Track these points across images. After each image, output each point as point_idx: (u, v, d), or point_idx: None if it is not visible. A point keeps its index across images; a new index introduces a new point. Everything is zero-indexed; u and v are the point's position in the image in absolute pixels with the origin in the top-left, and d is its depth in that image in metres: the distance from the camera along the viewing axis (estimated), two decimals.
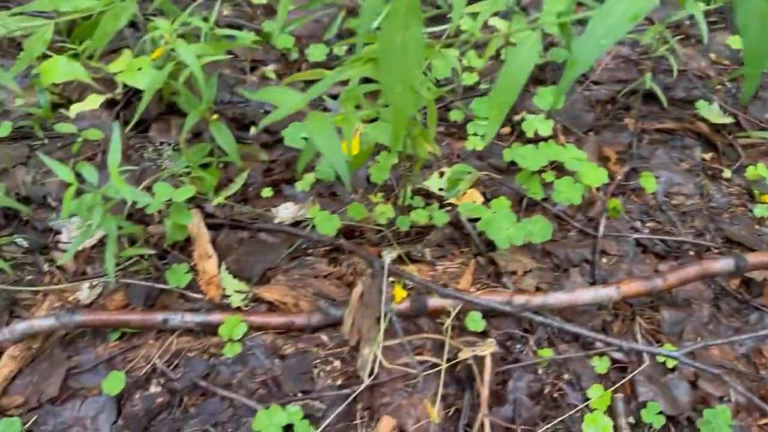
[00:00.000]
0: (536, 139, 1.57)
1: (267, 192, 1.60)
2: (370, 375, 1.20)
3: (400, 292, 1.30)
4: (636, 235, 1.50)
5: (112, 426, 1.18)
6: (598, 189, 1.59)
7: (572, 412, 1.21)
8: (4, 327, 1.24)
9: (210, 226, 1.49)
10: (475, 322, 1.25)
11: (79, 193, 1.19)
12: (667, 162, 1.70)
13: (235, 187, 1.61)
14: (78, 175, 1.19)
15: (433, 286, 1.29)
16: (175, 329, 1.29)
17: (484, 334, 1.28)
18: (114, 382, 1.20)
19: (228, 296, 1.37)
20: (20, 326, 1.23)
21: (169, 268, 1.38)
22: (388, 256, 1.37)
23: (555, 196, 1.41)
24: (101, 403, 1.21)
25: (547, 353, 1.27)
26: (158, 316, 1.28)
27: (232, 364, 1.25)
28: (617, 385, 1.24)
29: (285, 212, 1.57)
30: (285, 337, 1.29)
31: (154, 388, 1.24)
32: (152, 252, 1.35)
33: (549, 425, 1.19)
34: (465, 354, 1.18)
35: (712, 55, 2.06)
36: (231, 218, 1.53)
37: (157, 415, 1.20)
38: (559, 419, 1.20)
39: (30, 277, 1.41)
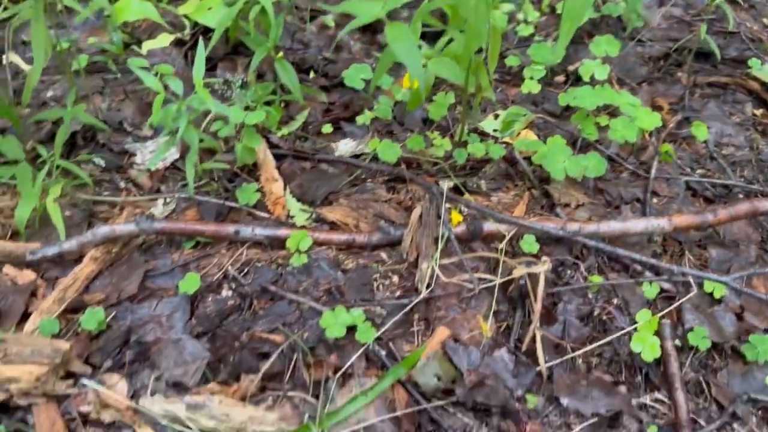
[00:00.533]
0: (592, 84, 1.62)
1: (327, 128, 1.67)
2: (427, 287, 1.26)
3: (456, 216, 1.36)
4: (687, 178, 1.54)
5: (185, 324, 1.27)
6: (650, 135, 1.63)
7: (620, 333, 1.26)
8: (87, 231, 1.34)
9: (274, 156, 1.57)
10: (530, 244, 1.31)
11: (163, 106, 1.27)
12: (719, 114, 1.73)
13: (297, 123, 1.69)
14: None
15: (488, 211, 1.35)
16: (245, 241, 1.37)
17: (537, 257, 1.33)
18: (190, 282, 1.28)
19: (292, 217, 1.44)
20: (102, 230, 1.33)
21: (239, 187, 1.46)
22: (446, 184, 1.43)
23: (610, 134, 1.46)
24: (176, 303, 1.29)
25: (597, 279, 1.32)
26: (230, 228, 1.36)
27: (298, 274, 1.32)
28: (664, 312, 1.29)
29: (344, 147, 1.64)
30: (346, 253, 1.37)
31: (225, 292, 1.32)
32: (226, 166, 1.43)
33: (597, 344, 1.25)
34: (520, 271, 1.23)
35: (765, 20, 2.08)
36: (294, 149, 1.60)
37: (228, 316, 1.28)
38: (607, 339, 1.26)
39: (107, 193, 1.51)
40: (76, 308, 1.28)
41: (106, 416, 1.16)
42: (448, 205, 1.38)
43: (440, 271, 1.28)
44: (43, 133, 1.59)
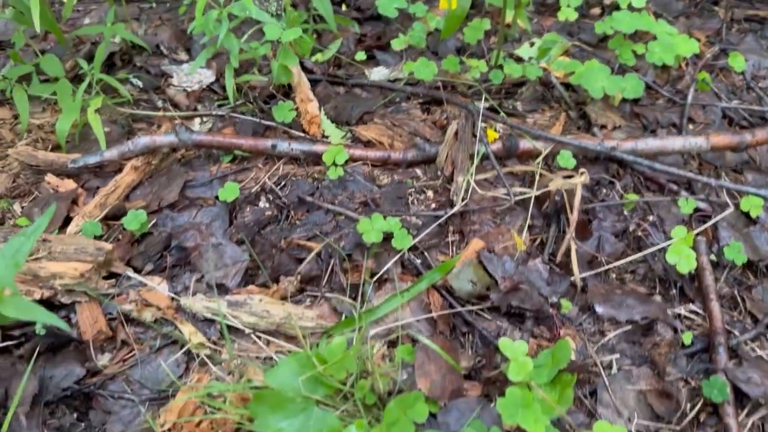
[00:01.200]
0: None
1: (360, 56, 1.67)
2: (462, 200, 1.27)
3: (492, 134, 1.36)
4: (723, 105, 1.52)
5: (224, 231, 1.29)
6: (686, 65, 1.61)
7: (655, 249, 1.26)
8: (127, 141, 1.36)
9: (309, 82, 1.57)
10: (566, 159, 1.31)
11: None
12: (756, 48, 1.70)
13: (330, 52, 1.69)
14: None
15: (524, 128, 1.35)
16: (281, 156, 1.39)
17: (574, 172, 1.33)
18: (229, 191, 1.30)
19: (327, 136, 1.45)
20: (143, 140, 1.35)
21: (275, 105, 1.47)
22: (483, 101, 1.43)
23: (648, 57, 1.44)
24: (215, 212, 1.32)
25: (633, 197, 1.32)
26: (268, 142, 1.37)
27: (334, 187, 1.34)
28: (700, 229, 1.28)
29: (377, 74, 1.64)
30: (381, 169, 1.38)
31: (262, 203, 1.34)
32: (264, 79, 1.44)
33: (632, 258, 1.25)
34: (557, 183, 1.23)
35: None
36: (328, 75, 1.61)
37: (265, 225, 1.30)
38: (642, 254, 1.26)
39: (145, 112, 1.53)
40: (117, 215, 1.30)
41: (147, 315, 1.19)
42: (483, 124, 1.38)
43: (475, 185, 1.29)
44: (82, 53, 1.61)
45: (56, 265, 1.17)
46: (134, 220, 1.24)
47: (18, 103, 1.40)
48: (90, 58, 1.56)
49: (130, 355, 1.15)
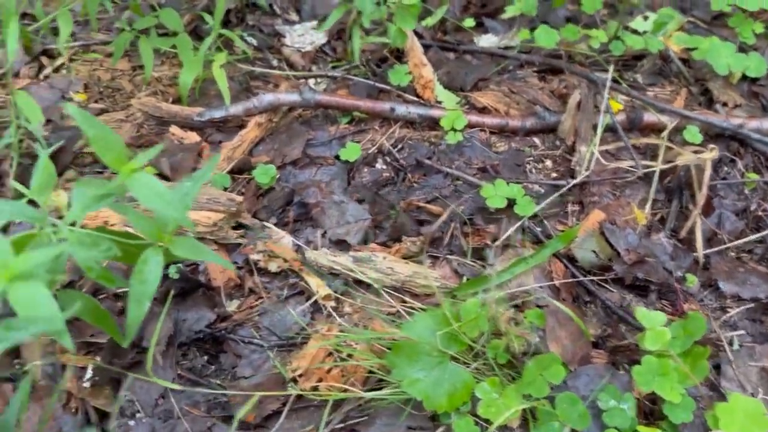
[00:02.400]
0: None
1: (469, 22, 1.67)
2: (586, 169, 1.27)
3: (615, 105, 1.35)
4: None
5: (344, 190, 1.32)
6: None
7: None
8: (252, 97, 1.39)
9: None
10: (693, 134, 1.30)
11: None
12: None
13: (437, 16, 1.69)
14: None
15: (649, 101, 1.34)
16: (398, 119, 1.41)
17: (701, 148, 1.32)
18: (351, 151, 1.33)
19: (440, 102, 1.46)
20: (267, 97, 1.38)
21: (390, 69, 1.48)
22: (609, 72, 1.42)
23: None
24: (334, 171, 1.34)
25: (754, 176, 1.30)
26: (386, 105, 1.39)
27: (451, 152, 1.35)
28: None
29: (486, 41, 1.64)
30: (498, 136, 1.38)
31: (380, 165, 1.36)
32: (386, 40, 1.45)
33: (754, 237, 1.24)
34: (686, 157, 1.23)
35: None
36: (438, 40, 1.61)
37: (383, 186, 1.33)
38: (761, 234, 1.24)
39: (262, 69, 1.56)
40: (242, 169, 1.34)
41: (273, 266, 1.23)
42: (607, 95, 1.37)
43: (599, 156, 1.29)
44: (198, 8, 1.64)
45: (191, 213, 1.22)
46: (264, 174, 1.27)
47: (143, 55, 1.44)
48: (207, 12, 1.59)
49: (258, 302, 1.19)
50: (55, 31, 1.54)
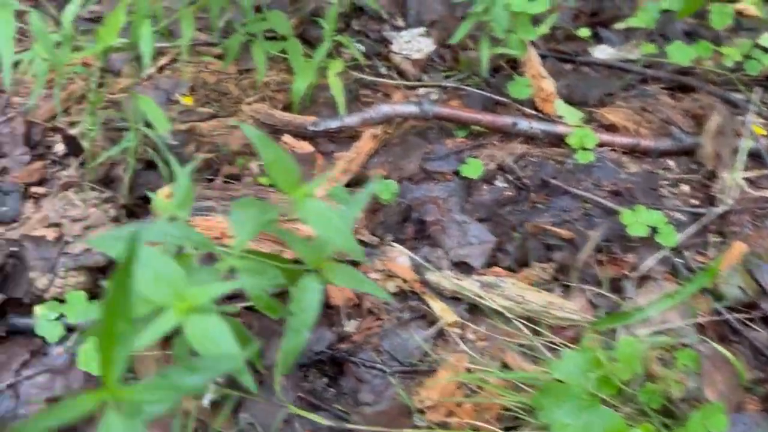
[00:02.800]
0: None
1: (584, 32, 1.59)
2: (730, 198, 1.19)
3: (758, 130, 1.26)
4: None
5: (462, 208, 1.26)
6: None
7: None
8: (368, 108, 1.34)
9: None
10: None
11: None
12: None
13: (548, 23, 1.61)
14: None
15: None
16: (519, 134, 1.34)
17: None
18: (473, 168, 1.27)
19: (561, 117, 1.39)
20: (384, 108, 1.32)
21: (509, 80, 1.42)
22: (757, 92, 1.33)
23: None
24: (452, 187, 1.28)
25: None
26: (508, 119, 1.33)
27: (578, 172, 1.28)
28: None
29: (603, 53, 1.56)
30: (629, 156, 1.31)
31: (500, 183, 1.30)
32: (515, 53, 1.38)
33: None
34: None
35: None
36: (554, 50, 1.54)
37: (503, 206, 1.26)
38: None
39: (371, 77, 1.50)
40: (357, 181, 1.29)
41: (392, 286, 1.17)
42: (750, 118, 1.28)
43: (744, 183, 1.20)
44: (306, 11, 1.60)
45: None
46: (386, 189, 1.22)
47: (256, 59, 1.40)
48: (314, 17, 1.55)
49: (377, 324, 1.14)
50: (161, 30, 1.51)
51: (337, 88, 1.35)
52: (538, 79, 1.43)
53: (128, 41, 1.11)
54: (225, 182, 1.32)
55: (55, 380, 1.09)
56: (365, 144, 1.32)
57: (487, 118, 1.33)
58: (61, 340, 1.13)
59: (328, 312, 1.15)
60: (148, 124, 1.18)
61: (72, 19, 1.09)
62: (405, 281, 1.17)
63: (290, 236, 0.80)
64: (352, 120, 1.32)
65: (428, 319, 1.14)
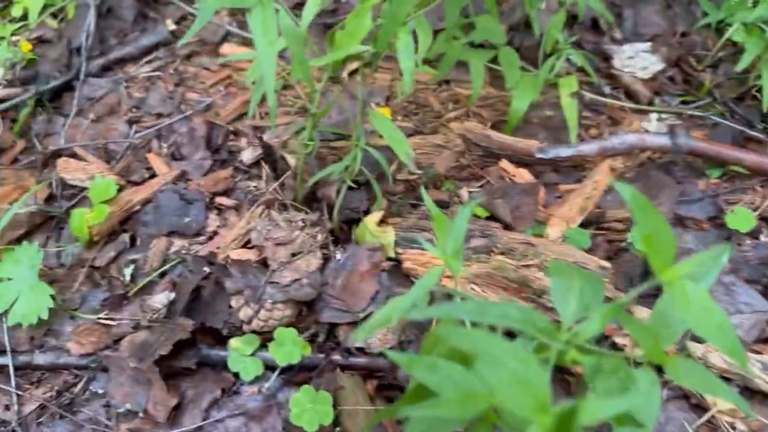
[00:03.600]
0: None
1: None
2: None
3: None
4: None
5: (728, 267, 1.06)
6: None
7: None
8: (612, 136, 1.15)
9: None
10: None
11: None
12: None
13: None
14: None
15: None
16: None
17: None
18: (742, 219, 1.07)
19: None
20: (629, 138, 1.14)
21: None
22: None
23: None
24: (709, 239, 1.09)
25: None
26: None
27: None
28: None
29: None
30: None
31: (765, 237, 1.09)
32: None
33: None
34: None
35: None
36: None
37: None
38: None
39: (591, 96, 1.32)
40: (593, 222, 1.11)
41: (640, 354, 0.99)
42: None
43: None
44: (515, 18, 1.43)
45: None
46: (638, 236, 1.04)
47: (473, 70, 1.23)
48: (520, 25, 1.37)
49: None
50: None
51: (571, 111, 1.17)
52: None
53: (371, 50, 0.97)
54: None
55: (250, 428, 0.96)
56: (603, 178, 1.14)
57: (752, 158, 1.13)
58: (256, 379, 1.00)
59: None
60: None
61: (308, 22, 0.95)
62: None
63: (633, 322, 0.63)
64: (589, 148, 1.15)
65: (691, 399, 0.95)
